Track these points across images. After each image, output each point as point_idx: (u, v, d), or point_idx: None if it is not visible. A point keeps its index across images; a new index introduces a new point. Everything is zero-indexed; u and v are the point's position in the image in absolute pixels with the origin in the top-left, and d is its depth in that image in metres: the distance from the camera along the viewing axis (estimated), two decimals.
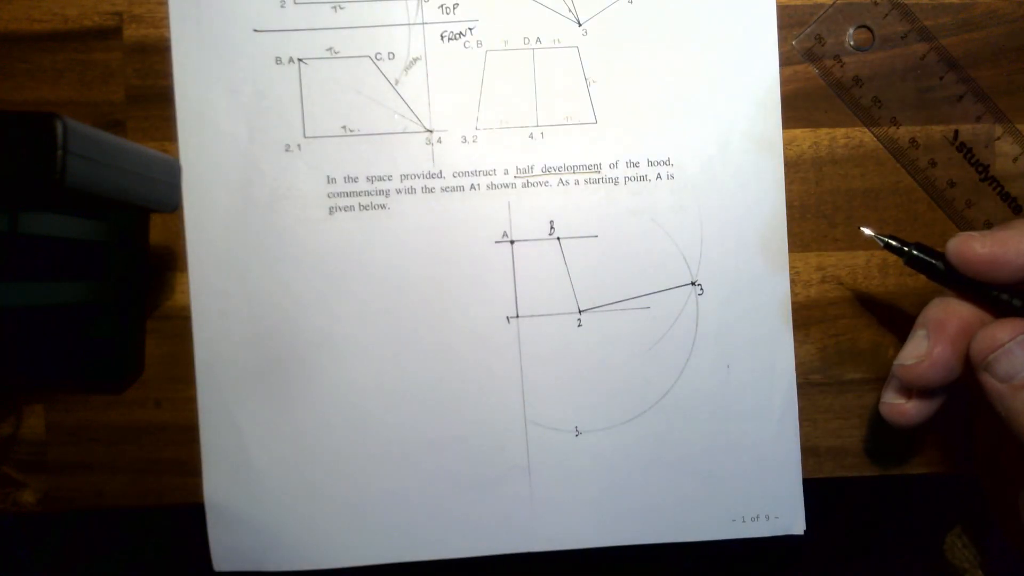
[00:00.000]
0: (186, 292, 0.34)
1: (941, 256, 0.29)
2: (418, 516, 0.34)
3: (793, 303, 0.34)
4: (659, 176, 0.34)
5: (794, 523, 0.35)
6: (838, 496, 0.34)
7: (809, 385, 0.35)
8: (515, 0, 0.33)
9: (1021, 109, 0.34)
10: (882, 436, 0.35)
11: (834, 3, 0.34)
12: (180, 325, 0.34)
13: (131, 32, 0.33)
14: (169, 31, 0.33)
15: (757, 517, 0.35)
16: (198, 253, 0.33)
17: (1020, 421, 0.26)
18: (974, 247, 0.27)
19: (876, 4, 0.34)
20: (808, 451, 0.35)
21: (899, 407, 0.30)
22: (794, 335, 0.34)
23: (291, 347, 0.33)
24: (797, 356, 0.35)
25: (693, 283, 0.34)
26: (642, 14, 0.33)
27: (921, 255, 0.29)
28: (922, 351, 0.28)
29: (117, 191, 0.25)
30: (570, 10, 0.33)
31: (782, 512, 0.35)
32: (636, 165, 0.34)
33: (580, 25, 0.33)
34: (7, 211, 0.27)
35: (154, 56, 0.33)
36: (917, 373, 0.28)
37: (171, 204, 0.28)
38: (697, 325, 0.34)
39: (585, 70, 0.34)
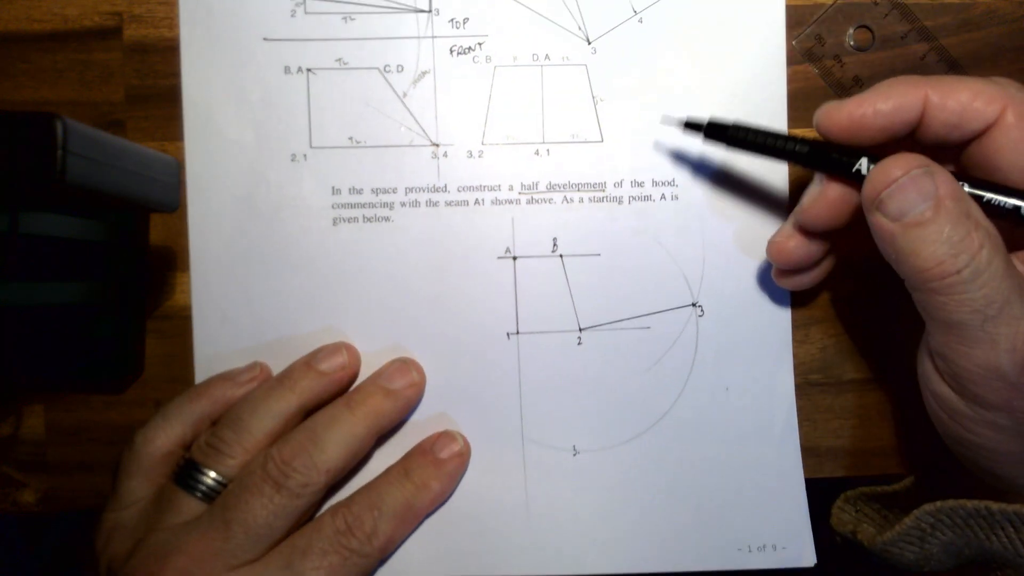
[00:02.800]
0: (186, 292, 0.33)
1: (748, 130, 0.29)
2: (413, 533, 0.33)
3: (793, 303, 0.34)
4: (663, 196, 0.34)
5: (803, 554, 0.34)
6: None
7: (809, 385, 0.35)
8: (525, 16, 0.33)
9: (1021, 109, 0.34)
10: (882, 436, 0.35)
11: (834, 3, 0.34)
12: (180, 325, 0.33)
13: (131, 32, 0.33)
14: (169, 31, 0.33)
15: (764, 547, 0.34)
16: (201, 259, 0.33)
17: (909, 263, 0.25)
18: (832, 114, 0.27)
19: (876, 4, 0.34)
20: (808, 451, 0.35)
21: (782, 243, 0.31)
22: (794, 335, 0.34)
23: (292, 356, 0.32)
24: (797, 356, 0.35)
25: (694, 304, 0.34)
26: (651, 34, 0.34)
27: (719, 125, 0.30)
28: (815, 193, 0.29)
29: (117, 191, 0.25)
30: (580, 28, 0.34)
31: (789, 542, 0.34)
32: (641, 185, 0.34)
33: (589, 43, 0.34)
34: (7, 211, 0.27)
35: (154, 56, 0.33)
36: (810, 213, 0.29)
37: (171, 204, 0.28)
38: (697, 346, 0.34)
39: (593, 88, 0.34)
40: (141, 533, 0.29)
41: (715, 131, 0.30)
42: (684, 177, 0.34)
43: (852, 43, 0.34)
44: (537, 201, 0.34)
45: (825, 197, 0.29)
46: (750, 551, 0.34)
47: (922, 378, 0.29)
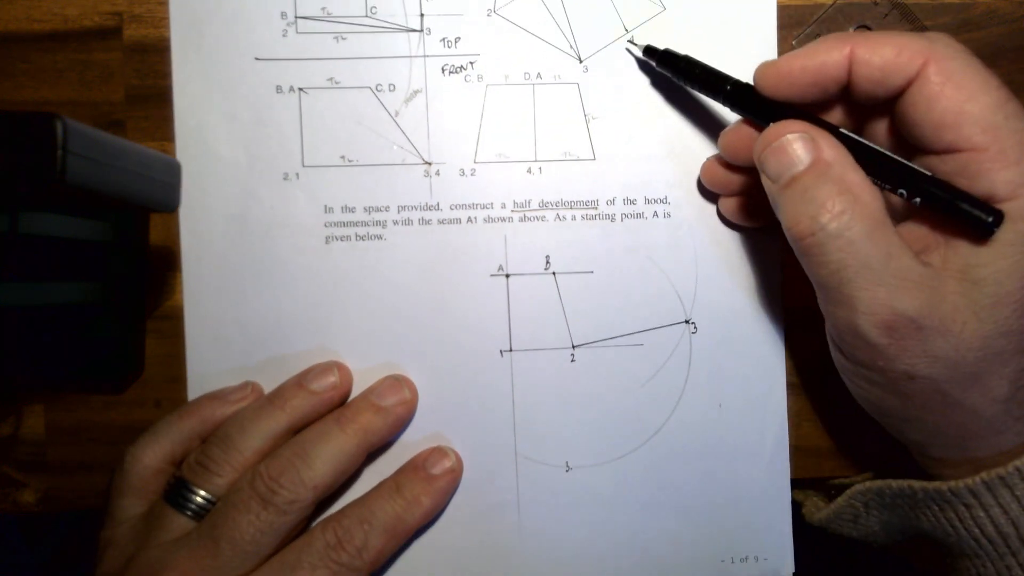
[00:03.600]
0: None
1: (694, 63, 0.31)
2: (405, 547, 0.34)
3: (792, 302, 0.34)
4: (656, 214, 0.34)
5: (783, 565, 0.35)
6: (831, 535, 0.34)
7: (808, 385, 0.35)
8: (517, 35, 0.33)
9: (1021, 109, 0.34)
10: (883, 436, 0.34)
11: (834, 3, 0.34)
12: (180, 325, 0.34)
13: (131, 32, 0.33)
14: (169, 31, 0.33)
15: (746, 558, 0.34)
16: (193, 277, 0.33)
17: (785, 220, 0.26)
18: (765, 68, 0.28)
19: (876, 4, 0.34)
20: (808, 451, 0.35)
21: (710, 164, 0.33)
22: (792, 334, 0.34)
23: (285, 375, 0.33)
24: (796, 355, 0.35)
25: (687, 321, 0.34)
26: (642, 51, 0.34)
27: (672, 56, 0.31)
28: (731, 126, 0.31)
29: (117, 191, 0.25)
30: (571, 46, 0.34)
31: (771, 553, 0.35)
32: (633, 202, 0.34)
33: (581, 62, 0.34)
34: (7, 211, 0.27)
35: (154, 56, 0.33)
36: (723, 141, 0.31)
37: (171, 204, 0.28)
38: (690, 363, 0.34)
39: (585, 106, 0.34)
40: (132, 550, 0.29)
41: (668, 59, 0.32)
42: (677, 195, 0.34)
43: None
44: (530, 219, 0.34)
45: (737, 132, 0.30)
46: (733, 562, 0.35)
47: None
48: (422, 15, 0.33)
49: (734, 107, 0.30)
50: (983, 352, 0.25)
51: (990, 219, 0.24)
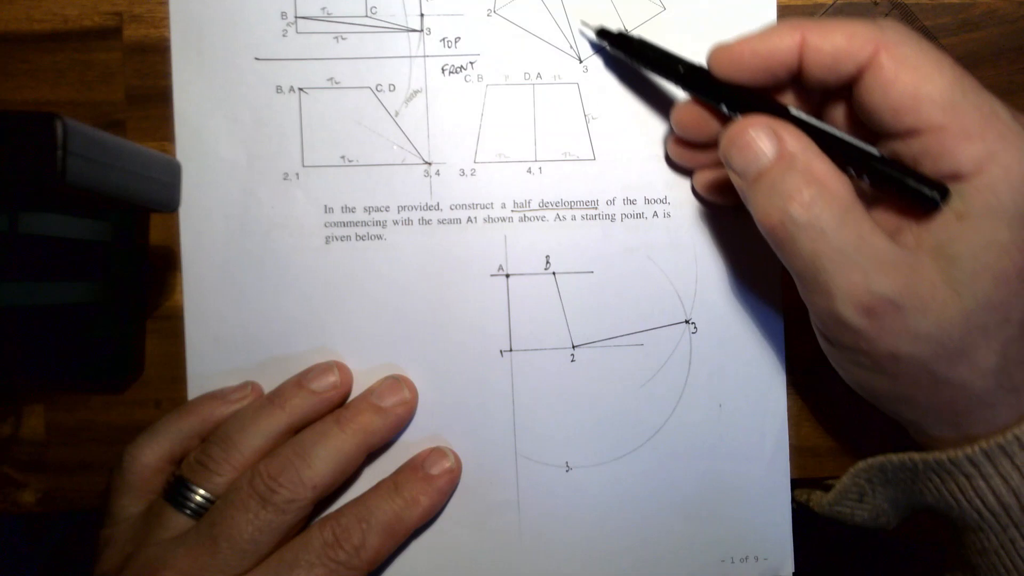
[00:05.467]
0: None
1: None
2: (405, 547, 0.34)
3: (792, 302, 0.34)
4: (656, 214, 0.34)
5: (783, 564, 0.35)
6: (830, 536, 0.34)
7: (808, 385, 0.35)
8: (517, 35, 0.33)
9: (1021, 109, 0.34)
10: (882, 436, 0.34)
11: (834, 3, 0.34)
12: (180, 325, 0.33)
13: (131, 32, 0.33)
14: (169, 31, 0.33)
15: (746, 558, 0.34)
16: (193, 278, 0.33)
17: (756, 215, 0.27)
18: (718, 51, 0.28)
19: (876, 4, 0.34)
20: (808, 451, 0.35)
21: (673, 142, 0.33)
22: (792, 331, 0.34)
23: (285, 375, 0.33)
24: (796, 355, 0.35)
25: (687, 321, 0.34)
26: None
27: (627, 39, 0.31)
28: (682, 103, 0.31)
29: (117, 191, 0.25)
30: (571, 46, 0.34)
31: (771, 553, 0.35)
32: (633, 202, 0.34)
33: (581, 62, 0.34)
34: (7, 211, 0.27)
35: (154, 56, 0.33)
36: (675, 117, 0.31)
37: (171, 204, 0.28)
38: (690, 363, 0.34)
39: (585, 106, 0.34)
40: (131, 549, 0.29)
41: (622, 42, 0.32)
42: (677, 195, 0.34)
43: None
44: (530, 219, 0.34)
45: (687, 110, 0.30)
46: (733, 562, 0.35)
47: None
48: (422, 15, 0.33)
49: (688, 89, 0.30)
50: (966, 327, 0.25)
51: (936, 194, 0.25)
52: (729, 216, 0.34)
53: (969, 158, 0.25)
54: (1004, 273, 0.25)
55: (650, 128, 0.34)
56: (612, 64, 0.34)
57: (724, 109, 0.29)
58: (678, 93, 0.33)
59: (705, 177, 0.33)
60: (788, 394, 0.35)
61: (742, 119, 0.27)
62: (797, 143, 0.26)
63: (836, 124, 0.28)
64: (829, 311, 0.26)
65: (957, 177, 0.25)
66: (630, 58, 0.32)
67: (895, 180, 0.26)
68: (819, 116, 0.29)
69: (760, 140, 0.26)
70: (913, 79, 0.25)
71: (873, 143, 0.27)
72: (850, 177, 0.26)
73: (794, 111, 0.27)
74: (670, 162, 0.34)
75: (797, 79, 0.28)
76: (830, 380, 0.32)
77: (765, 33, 0.27)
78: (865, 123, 0.27)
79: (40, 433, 0.34)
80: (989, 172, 0.24)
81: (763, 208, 0.26)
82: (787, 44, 0.27)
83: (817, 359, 0.30)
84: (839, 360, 0.29)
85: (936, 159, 0.25)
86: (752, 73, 0.28)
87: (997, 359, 0.26)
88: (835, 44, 0.26)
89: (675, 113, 0.31)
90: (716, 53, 0.28)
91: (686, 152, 0.32)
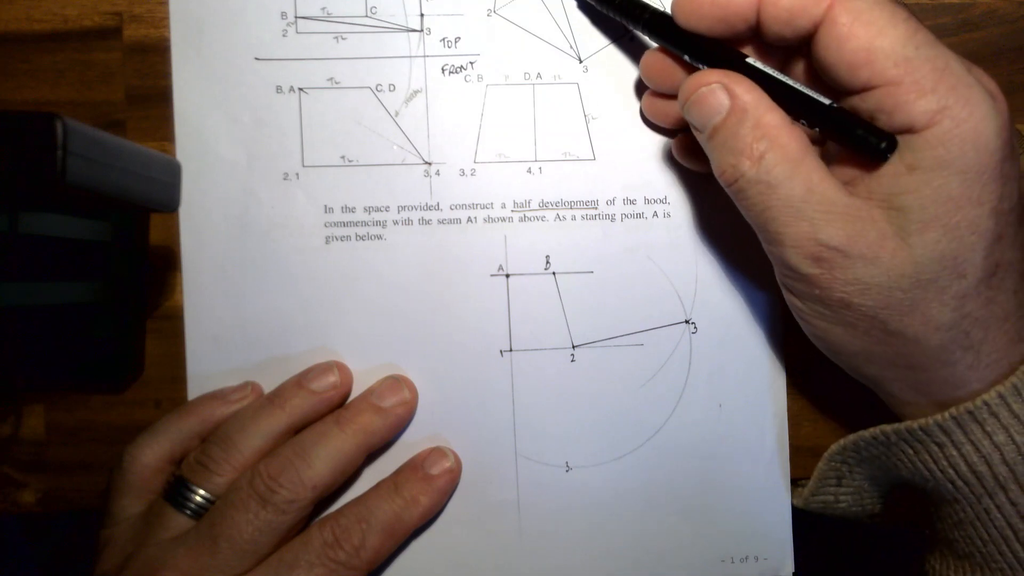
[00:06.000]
0: None
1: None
2: (405, 547, 0.34)
3: (786, 319, 0.34)
4: (656, 214, 0.34)
5: (783, 564, 0.35)
6: (830, 535, 0.34)
7: (808, 385, 0.35)
8: (516, 35, 0.33)
9: (1021, 109, 0.34)
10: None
11: None
12: (180, 325, 0.33)
13: (131, 32, 0.33)
14: (169, 31, 0.33)
15: (746, 558, 0.34)
16: (193, 278, 0.33)
17: (714, 169, 0.28)
18: (680, 0, 0.28)
19: None
20: (807, 451, 0.35)
21: (647, 97, 0.33)
22: (792, 334, 0.34)
23: (285, 375, 0.33)
24: (796, 355, 0.34)
25: (687, 321, 0.34)
26: (643, 52, 0.34)
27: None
28: (650, 51, 0.31)
29: (117, 191, 0.25)
30: (571, 47, 0.34)
31: (771, 553, 0.35)
32: (633, 202, 0.34)
33: (581, 62, 0.34)
34: (7, 211, 0.27)
35: (154, 56, 0.33)
36: (644, 63, 0.31)
37: (171, 204, 0.28)
38: (690, 363, 0.34)
39: (585, 106, 0.34)
40: (131, 549, 0.29)
41: None
42: (676, 195, 0.34)
43: None
44: (530, 219, 0.34)
45: (654, 57, 0.31)
46: (733, 562, 0.35)
47: None
48: (422, 15, 0.33)
49: (652, 35, 0.30)
50: (916, 279, 0.25)
51: (883, 144, 0.25)
52: (729, 216, 0.34)
53: (921, 112, 0.25)
54: (955, 226, 0.25)
55: (650, 128, 0.34)
56: (612, 65, 0.34)
57: (686, 58, 0.29)
58: None
59: (681, 143, 0.33)
60: (788, 394, 0.35)
61: (700, 73, 0.28)
62: (749, 96, 0.26)
63: (797, 79, 0.28)
64: (782, 259, 0.27)
65: (911, 131, 0.25)
66: (598, 4, 0.32)
67: (845, 130, 0.26)
68: (781, 71, 0.29)
69: (714, 94, 0.27)
70: (867, 33, 0.25)
71: (836, 100, 0.27)
72: (804, 128, 0.27)
73: (751, 60, 0.28)
74: (646, 121, 0.34)
75: (758, 33, 0.28)
76: (830, 380, 0.32)
77: None
78: (825, 80, 0.27)
79: (40, 433, 0.34)
80: (940, 125, 0.24)
81: (718, 163, 0.27)
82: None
83: (817, 359, 0.30)
84: (800, 311, 0.29)
85: (890, 113, 0.25)
86: (711, 23, 0.28)
87: (951, 315, 0.26)
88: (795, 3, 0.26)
89: (643, 60, 0.31)
90: (679, 4, 0.28)
91: (658, 104, 0.32)
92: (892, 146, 0.25)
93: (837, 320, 0.27)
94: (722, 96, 0.27)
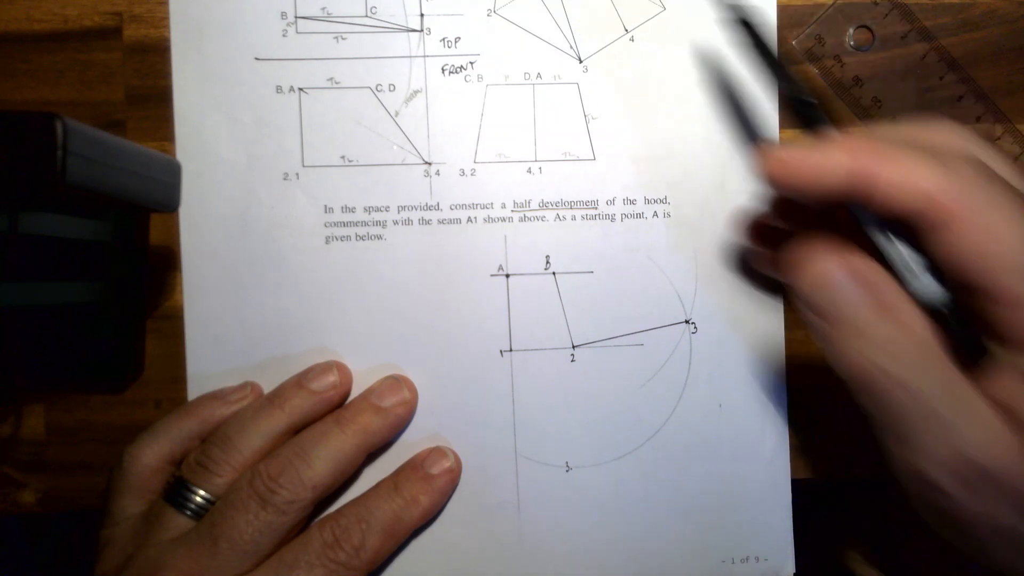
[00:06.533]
0: None
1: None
2: (405, 547, 0.34)
3: (786, 319, 0.34)
4: (656, 214, 0.34)
5: (784, 565, 0.35)
6: (832, 536, 0.34)
7: (808, 385, 0.35)
8: (516, 35, 0.33)
9: (1021, 109, 0.34)
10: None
11: (834, 3, 0.34)
12: (180, 325, 0.33)
13: (131, 32, 0.33)
14: (169, 31, 0.33)
15: (747, 559, 0.34)
16: (193, 278, 0.33)
17: (839, 366, 0.24)
18: (766, 157, 0.25)
19: (876, 4, 0.34)
20: (808, 451, 0.35)
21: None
22: (792, 333, 0.34)
23: (285, 375, 0.33)
24: (796, 355, 0.34)
25: (687, 321, 0.34)
26: (643, 52, 0.34)
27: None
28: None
29: (117, 191, 0.25)
30: (571, 47, 0.34)
31: (772, 554, 0.34)
32: (633, 202, 0.34)
33: (581, 62, 0.34)
34: (7, 211, 0.27)
35: (154, 56, 0.33)
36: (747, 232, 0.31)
37: (171, 204, 0.28)
38: (690, 363, 0.34)
39: (585, 106, 0.34)
40: (131, 549, 0.29)
41: (748, 30, 0.29)
42: (677, 195, 0.34)
43: (852, 43, 0.34)
44: (530, 219, 0.34)
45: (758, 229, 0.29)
46: (734, 563, 0.34)
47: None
48: (422, 15, 0.33)
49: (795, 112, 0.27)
50: None
51: (977, 351, 0.23)
52: (729, 216, 0.34)
53: None
54: None
55: (650, 128, 0.34)
56: (612, 65, 0.34)
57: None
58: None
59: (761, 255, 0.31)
60: (788, 394, 0.35)
61: (815, 244, 0.24)
62: (874, 276, 0.23)
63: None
64: (913, 470, 0.23)
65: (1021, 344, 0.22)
66: (753, 49, 0.29)
67: (951, 327, 0.23)
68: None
69: (835, 274, 0.24)
70: (983, 240, 0.22)
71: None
72: None
73: (875, 236, 0.24)
74: (676, 166, 0.33)
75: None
76: (830, 381, 0.32)
77: (831, 162, 0.24)
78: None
79: (40, 433, 0.34)
80: None
81: (849, 355, 0.23)
82: (845, 184, 0.23)
83: (817, 359, 0.30)
84: (926, 514, 0.25)
85: (1008, 325, 0.22)
86: (807, 196, 0.24)
87: None
88: (910, 205, 0.23)
89: (748, 229, 0.31)
90: (774, 167, 0.24)
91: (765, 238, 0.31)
92: (982, 354, 0.23)
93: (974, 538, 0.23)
94: (856, 289, 0.23)
